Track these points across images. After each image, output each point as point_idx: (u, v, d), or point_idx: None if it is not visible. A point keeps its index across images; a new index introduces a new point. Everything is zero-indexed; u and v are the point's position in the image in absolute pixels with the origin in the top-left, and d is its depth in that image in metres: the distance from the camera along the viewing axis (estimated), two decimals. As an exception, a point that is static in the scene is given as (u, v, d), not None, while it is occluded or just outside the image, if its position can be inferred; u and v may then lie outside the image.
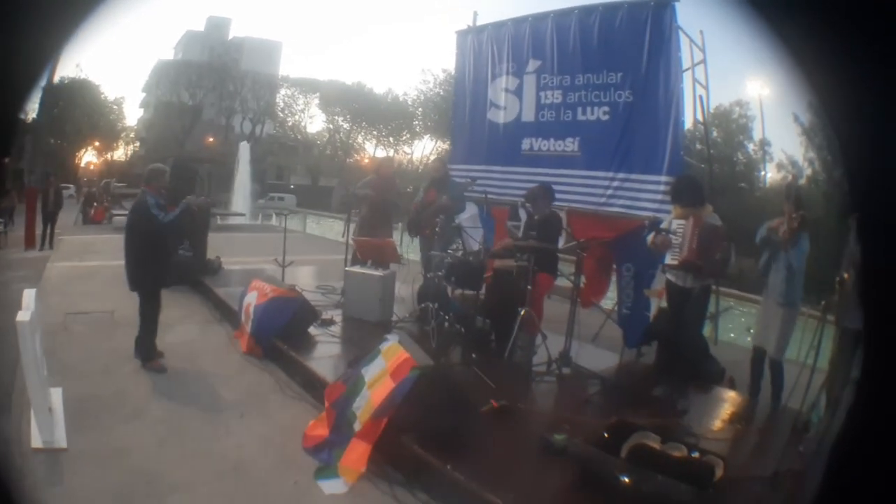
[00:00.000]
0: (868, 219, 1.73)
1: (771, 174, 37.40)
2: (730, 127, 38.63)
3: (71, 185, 35.34)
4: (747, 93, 38.56)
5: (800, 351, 5.04)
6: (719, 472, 3.97)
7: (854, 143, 1.65)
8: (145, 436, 5.04)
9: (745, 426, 5.66)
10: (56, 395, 5.28)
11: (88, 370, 6.37)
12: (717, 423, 5.63)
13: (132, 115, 61.06)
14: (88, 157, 53.54)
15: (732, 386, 6.62)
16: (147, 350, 6.64)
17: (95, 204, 24.23)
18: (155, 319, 6.70)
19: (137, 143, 56.51)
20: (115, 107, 53.58)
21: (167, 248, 6.76)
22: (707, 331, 7.83)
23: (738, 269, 7.75)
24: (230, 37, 58.83)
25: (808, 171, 32.74)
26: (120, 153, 56.25)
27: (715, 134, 34.48)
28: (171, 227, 6.50)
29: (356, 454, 4.59)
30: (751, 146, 38.91)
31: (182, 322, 8.18)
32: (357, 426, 4.73)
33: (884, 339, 1.73)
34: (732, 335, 9.72)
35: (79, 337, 7.53)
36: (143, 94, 59.24)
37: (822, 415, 5.05)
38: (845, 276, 4.90)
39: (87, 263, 12.42)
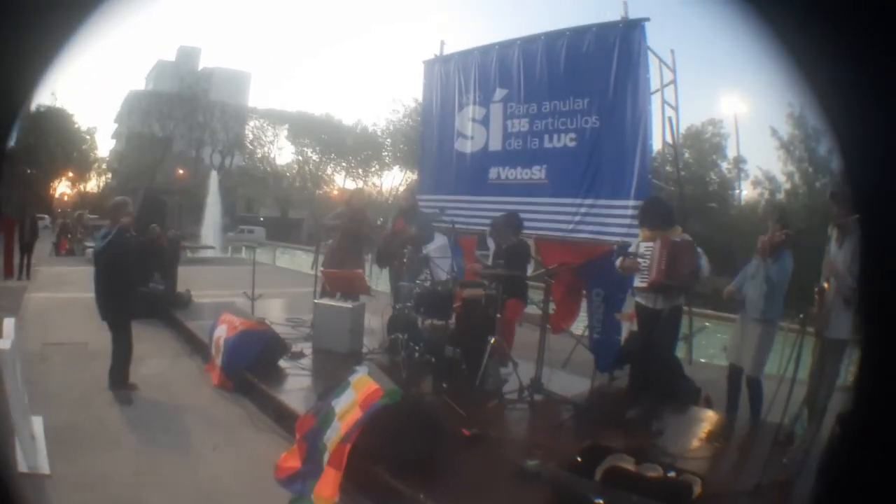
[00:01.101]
0: (870, 219, 1.71)
1: (747, 191, 37.91)
2: (702, 147, 38.94)
3: (46, 216, 34.92)
4: (721, 111, 39.22)
5: (780, 364, 5.01)
6: (697, 490, 3.97)
7: (854, 137, 1.62)
8: (123, 465, 5.04)
9: (723, 443, 5.66)
10: (37, 423, 5.29)
11: (66, 399, 6.37)
12: (695, 442, 5.60)
13: (104, 145, 60.66)
14: (62, 188, 53.07)
15: (709, 404, 6.63)
16: (115, 378, 6.68)
17: (69, 235, 24.14)
18: (124, 350, 6.72)
19: (109, 175, 55.99)
20: (87, 137, 52.97)
21: (126, 279, 6.71)
22: (681, 351, 7.85)
23: (711, 288, 7.78)
24: (200, 67, 58.58)
25: (787, 186, 33.17)
26: (93, 184, 55.81)
27: (687, 155, 34.77)
28: (104, 255, 6.53)
29: (328, 483, 4.55)
30: (724, 165, 39.35)
31: (153, 355, 8.13)
32: (328, 457, 4.69)
33: (884, 345, 1.71)
34: (708, 355, 9.74)
35: (56, 367, 7.53)
36: (116, 125, 58.89)
37: (807, 426, 5.07)
38: (825, 286, 4.95)
39: (62, 295, 12.40)
